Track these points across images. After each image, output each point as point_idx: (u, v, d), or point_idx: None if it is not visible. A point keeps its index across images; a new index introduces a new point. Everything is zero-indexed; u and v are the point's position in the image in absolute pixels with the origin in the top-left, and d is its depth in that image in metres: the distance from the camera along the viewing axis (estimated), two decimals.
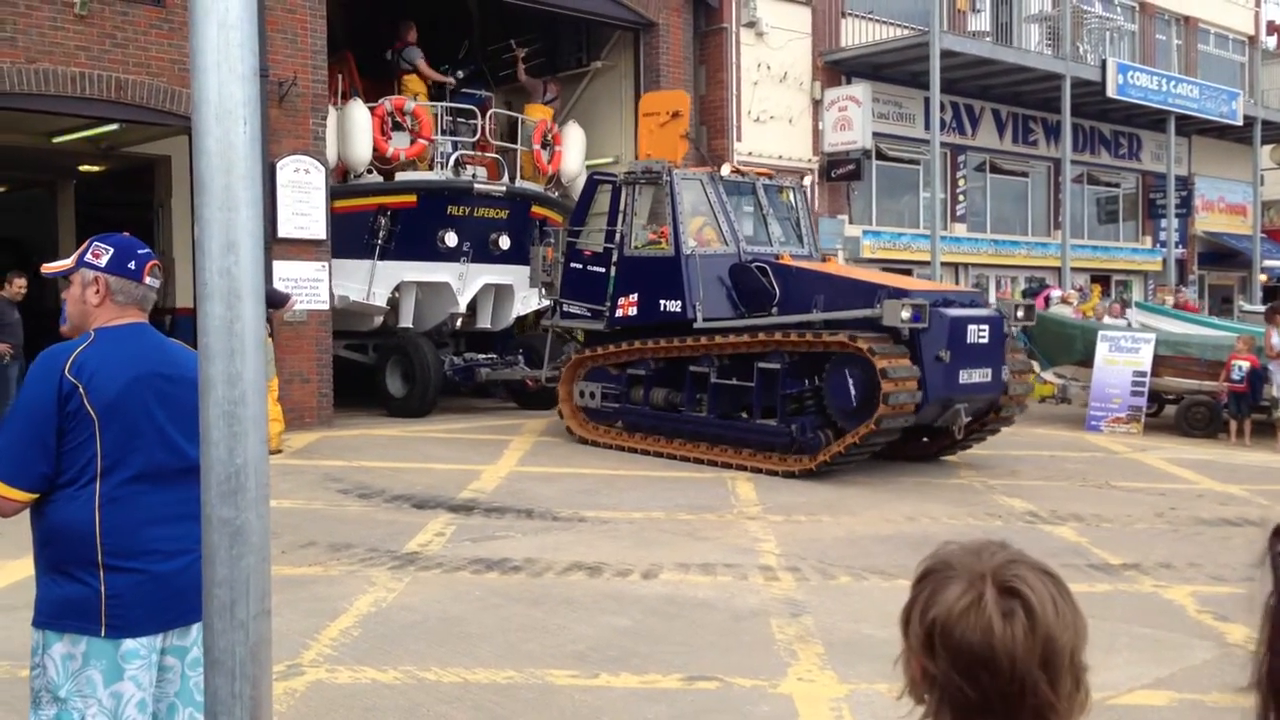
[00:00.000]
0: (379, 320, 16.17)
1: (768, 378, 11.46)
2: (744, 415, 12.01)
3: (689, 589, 7.11)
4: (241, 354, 1.80)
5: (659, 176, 12.53)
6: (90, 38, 12.75)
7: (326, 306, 14.67)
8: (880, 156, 21.87)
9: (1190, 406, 15.16)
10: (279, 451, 11.96)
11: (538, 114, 17.34)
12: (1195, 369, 15.19)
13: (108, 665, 2.98)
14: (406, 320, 16.06)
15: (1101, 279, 26.05)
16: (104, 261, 3.14)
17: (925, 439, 12.21)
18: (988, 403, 11.55)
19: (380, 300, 15.62)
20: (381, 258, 15.44)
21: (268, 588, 1.83)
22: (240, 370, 1.80)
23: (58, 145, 16.50)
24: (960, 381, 10.80)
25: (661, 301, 12.34)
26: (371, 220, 15.39)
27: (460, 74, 17.97)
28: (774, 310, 11.85)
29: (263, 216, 1.85)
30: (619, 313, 12.80)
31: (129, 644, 3.00)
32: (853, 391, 10.70)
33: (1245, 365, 14.24)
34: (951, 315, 10.75)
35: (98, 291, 3.14)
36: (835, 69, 21.00)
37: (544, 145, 16.94)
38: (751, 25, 19.61)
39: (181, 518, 3.03)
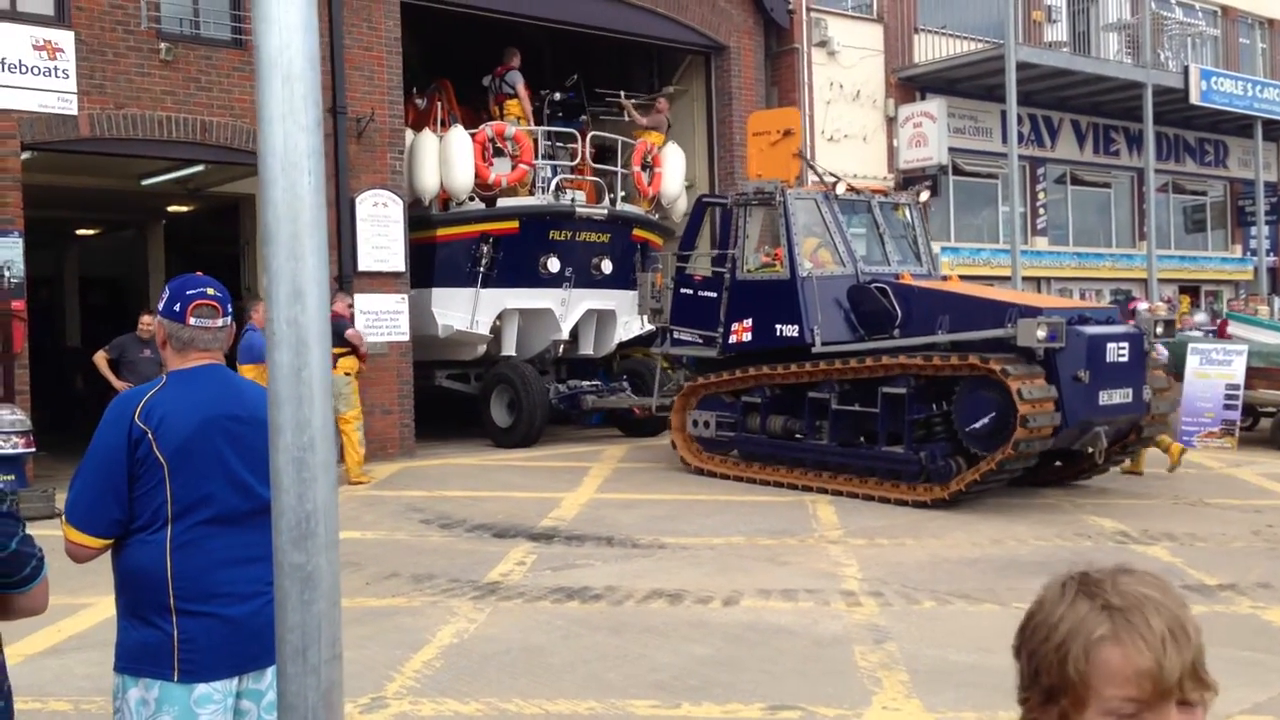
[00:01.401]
0: (482, 349, 15.98)
1: (892, 403, 10.99)
2: (862, 440, 11.57)
3: (770, 615, 7.05)
4: (310, 400, 1.81)
5: (771, 197, 12.14)
6: (175, 82, 13.12)
7: (406, 338, 14.79)
8: (957, 171, 21.63)
9: None
10: (361, 482, 12.11)
11: (656, 139, 17.16)
12: None
13: (180, 710, 2.95)
14: (509, 348, 15.84)
15: (1190, 290, 25.44)
16: (162, 305, 3.18)
17: (1059, 463, 11.70)
18: (1128, 424, 10.97)
19: (484, 328, 15.47)
20: (484, 285, 15.27)
21: (338, 632, 1.84)
22: (309, 416, 1.81)
23: (147, 187, 16.93)
24: (1100, 403, 10.27)
25: (777, 326, 11.96)
26: (474, 248, 15.28)
27: (558, 96, 17.84)
28: (896, 332, 11.40)
29: (328, 264, 1.88)
30: (732, 339, 12.43)
31: (202, 689, 2.97)
32: (985, 416, 10.22)
33: None
34: (1090, 333, 10.23)
35: (159, 336, 3.19)
36: (909, 85, 20.86)
37: (644, 167, 16.85)
38: (823, 45, 19.56)
39: (254, 560, 2.99)
